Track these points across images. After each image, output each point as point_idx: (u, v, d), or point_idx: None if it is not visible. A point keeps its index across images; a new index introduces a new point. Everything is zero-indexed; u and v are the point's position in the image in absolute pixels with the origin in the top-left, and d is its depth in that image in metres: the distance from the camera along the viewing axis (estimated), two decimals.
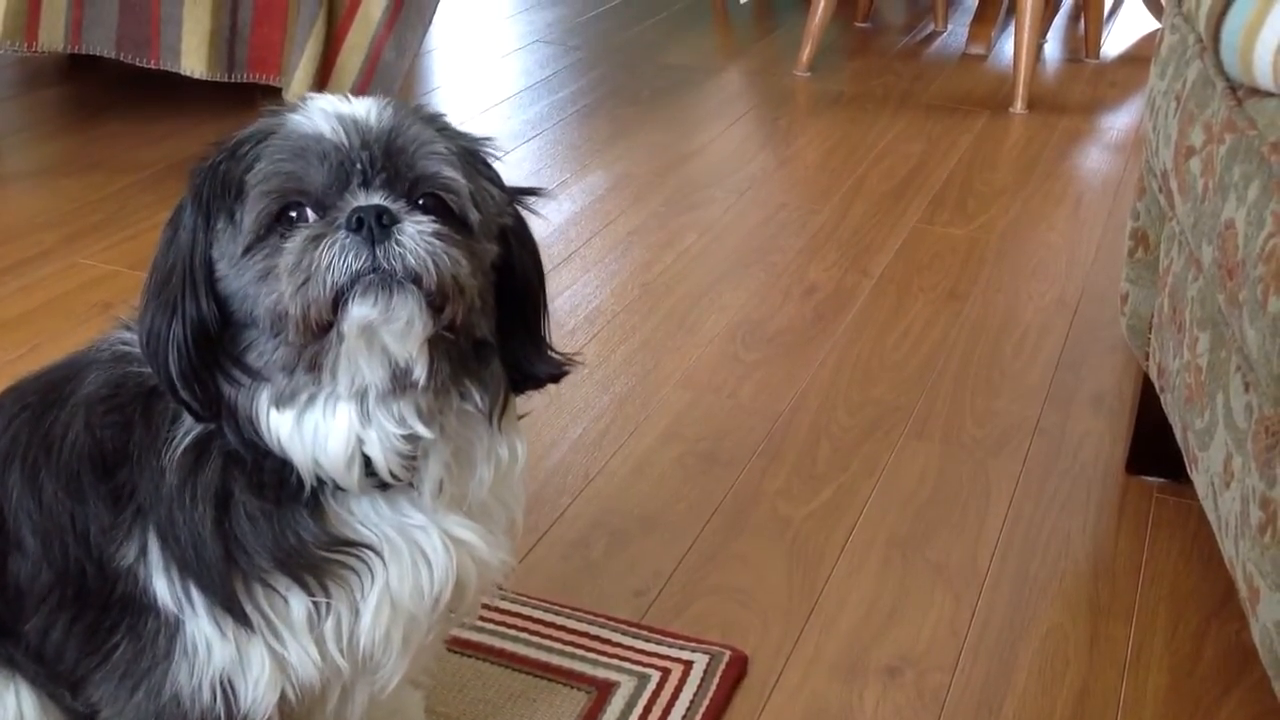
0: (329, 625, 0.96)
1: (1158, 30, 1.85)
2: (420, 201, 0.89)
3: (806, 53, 3.43)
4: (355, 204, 0.86)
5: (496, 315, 0.95)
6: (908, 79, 3.45)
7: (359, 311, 0.85)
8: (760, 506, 1.69)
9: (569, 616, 1.45)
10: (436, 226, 0.87)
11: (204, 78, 2.41)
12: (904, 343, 2.12)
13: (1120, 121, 3.21)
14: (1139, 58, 3.67)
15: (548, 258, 2.32)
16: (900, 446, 1.83)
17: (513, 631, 1.42)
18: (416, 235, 0.86)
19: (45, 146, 2.71)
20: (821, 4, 3.40)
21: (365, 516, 0.96)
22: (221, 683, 0.96)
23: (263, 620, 0.94)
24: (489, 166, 0.97)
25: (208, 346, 0.90)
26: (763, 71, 3.49)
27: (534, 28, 3.73)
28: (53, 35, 2.40)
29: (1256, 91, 1.32)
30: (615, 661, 1.39)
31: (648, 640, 1.42)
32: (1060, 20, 3.96)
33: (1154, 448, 1.72)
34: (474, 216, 0.91)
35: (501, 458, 1.00)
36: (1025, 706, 1.39)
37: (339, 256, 0.84)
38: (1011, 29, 3.45)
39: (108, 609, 0.97)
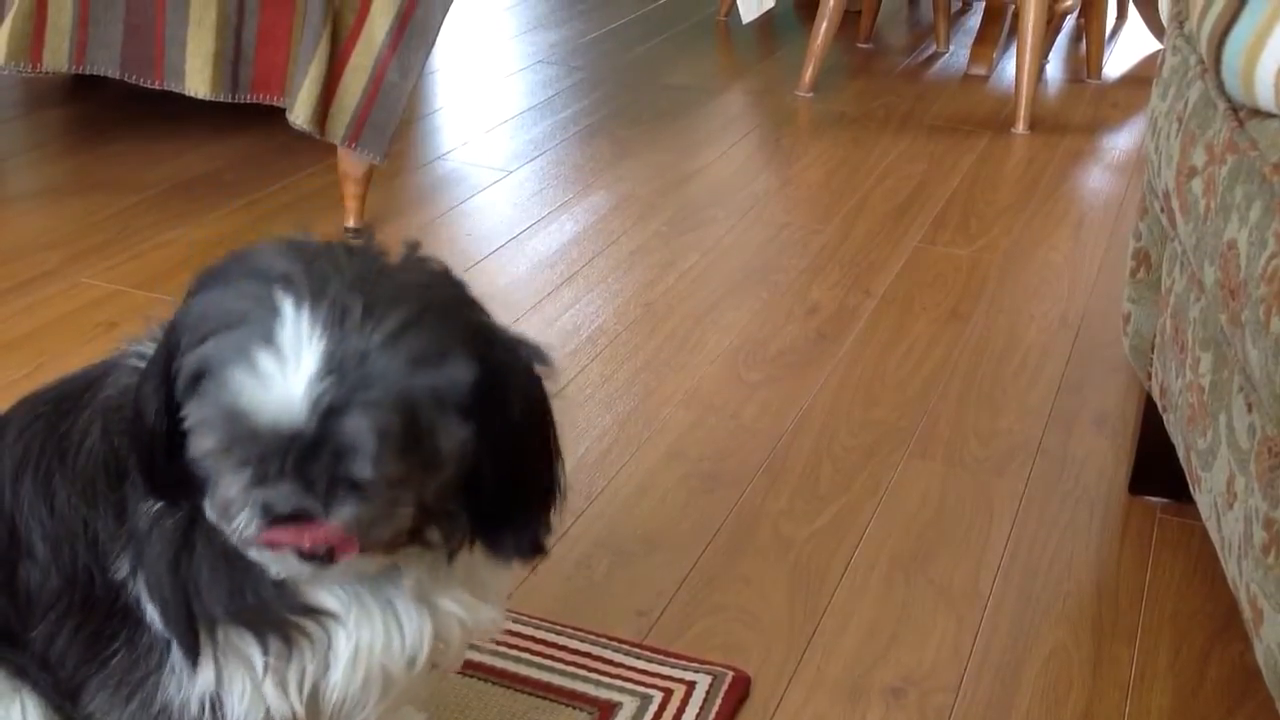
0: (292, 675, 0.95)
1: (1159, 51, 1.85)
2: (348, 481, 0.84)
3: (809, 73, 3.44)
4: (274, 503, 0.84)
5: (473, 490, 0.91)
6: (910, 99, 3.46)
7: (278, 568, 0.88)
8: (763, 527, 1.69)
9: (571, 636, 1.45)
10: (361, 510, 0.84)
11: (208, 98, 2.41)
12: (906, 363, 2.12)
13: (1122, 142, 3.21)
14: (1140, 78, 3.68)
15: (550, 277, 2.34)
16: (902, 467, 1.83)
17: (514, 652, 1.42)
18: (326, 537, 0.85)
19: (50, 166, 2.72)
20: (824, 25, 3.41)
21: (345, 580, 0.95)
22: (210, 699, 0.96)
23: (218, 661, 0.94)
24: (458, 402, 0.86)
25: (160, 448, 0.90)
26: (765, 92, 3.50)
27: (537, 48, 3.74)
28: (57, 56, 2.40)
29: (1258, 112, 1.32)
30: (617, 682, 1.39)
31: (650, 660, 1.42)
32: (1062, 41, 3.97)
33: (1157, 468, 1.72)
34: (415, 478, 0.86)
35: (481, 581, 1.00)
36: None
37: (245, 523, 0.85)
38: (1013, 50, 3.46)
39: (110, 617, 0.97)
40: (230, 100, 2.44)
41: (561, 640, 1.44)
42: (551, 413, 0.95)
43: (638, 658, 1.42)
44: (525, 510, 0.95)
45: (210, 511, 0.87)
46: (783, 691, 1.41)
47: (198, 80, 2.40)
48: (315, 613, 0.94)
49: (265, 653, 0.94)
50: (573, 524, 1.66)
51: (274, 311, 0.83)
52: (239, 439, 0.84)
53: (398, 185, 2.73)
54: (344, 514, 0.84)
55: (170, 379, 0.87)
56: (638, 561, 1.60)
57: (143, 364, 0.95)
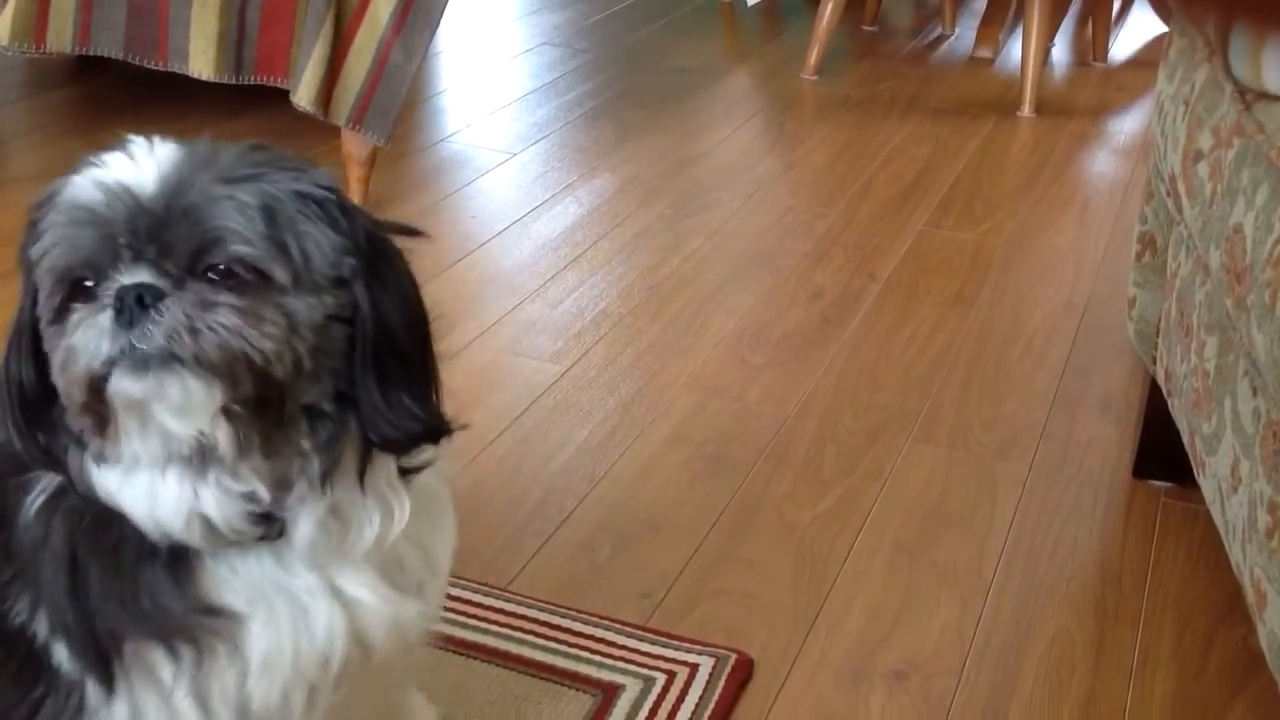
0: (214, 689, 0.90)
1: (1165, 34, 1.85)
2: (206, 270, 0.82)
3: (814, 56, 3.43)
4: (120, 282, 0.82)
5: (348, 373, 0.87)
6: (915, 82, 3.45)
7: (120, 388, 0.81)
8: (766, 510, 1.69)
9: (574, 619, 1.45)
10: (220, 297, 0.81)
11: (212, 80, 2.41)
12: (910, 346, 2.12)
13: (1128, 125, 3.20)
14: (1147, 62, 3.67)
15: (554, 260, 2.33)
16: (906, 451, 1.83)
17: (518, 634, 1.42)
18: (182, 309, 0.80)
19: (53, 148, 2.71)
20: (829, 7, 3.40)
21: (246, 573, 0.90)
22: None
23: (130, 686, 0.89)
24: (324, 207, 0.86)
25: (35, 402, 0.87)
26: (770, 75, 3.49)
27: (541, 30, 3.73)
28: (61, 37, 2.40)
29: (1265, 95, 1.32)
30: (621, 664, 1.39)
31: (653, 643, 1.42)
32: (1068, 24, 3.95)
33: (1161, 452, 1.72)
34: (280, 274, 0.83)
35: (375, 520, 0.91)
36: (1031, 712, 1.39)
37: (94, 340, 0.81)
38: (1019, 33, 3.45)
39: (28, 660, 0.93)
40: (234, 82, 2.44)
41: (565, 622, 1.44)
42: (421, 294, 0.92)
43: (641, 640, 1.43)
44: (398, 396, 0.89)
45: (65, 399, 0.83)
46: (786, 674, 1.41)
47: (201, 61, 2.39)
48: (218, 612, 0.89)
49: (176, 662, 0.88)
50: (576, 507, 1.66)
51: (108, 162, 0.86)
52: (83, 240, 0.82)
53: (402, 167, 2.73)
54: (192, 296, 0.81)
55: (32, 312, 0.86)
56: (641, 544, 1.60)
57: None
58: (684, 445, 1.82)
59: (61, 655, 0.91)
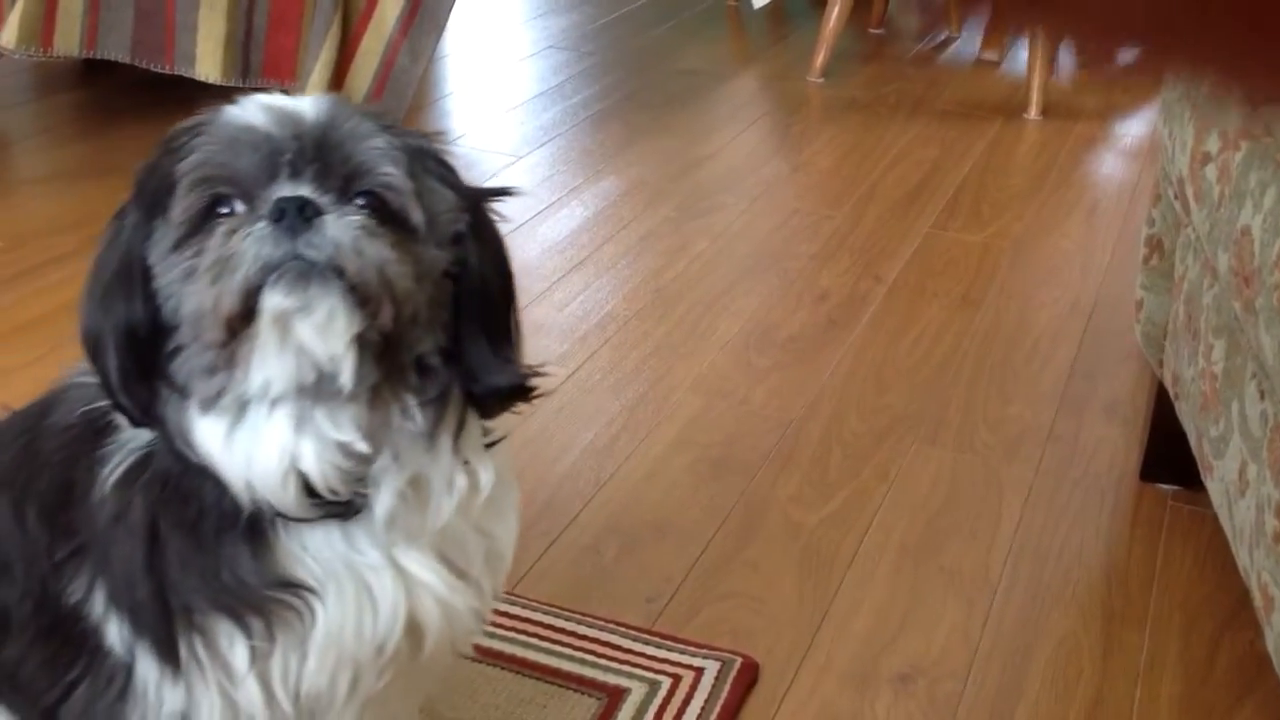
0: (276, 668, 0.91)
1: None
2: (356, 199, 0.85)
3: (820, 59, 3.43)
4: (280, 195, 0.83)
5: (453, 330, 0.90)
6: (921, 85, 3.45)
7: (274, 301, 0.81)
8: (772, 513, 1.69)
9: (579, 622, 1.45)
10: (368, 222, 0.83)
11: (218, 83, 2.41)
12: (917, 349, 2.11)
13: (1135, 128, 3.20)
14: None
15: (560, 263, 2.33)
16: (913, 453, 1.83)
17: (523, 637, 1.42)
18: (343, 228, 0.82)
19: (61, 150, 2.72)
20: (835, 10, 3.39)
21: (317, 551, 0.90)
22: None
23: (200, 665, 0.90)
24: (442, 165, 0.91)
25: (141, 350, 0.87)
26: (776, 77, 3.49)
27: (548, 33, 3.74)
28: (68, 40, 2.41)
29: None
30: (626, 668, 1.39)
31: (659, 646, 1.42)
32: None
33: (1168, 455, 1.72)
34: (417, 217, 0.86)
35: (459, 487, 0.92)
36: (1038, 715, 1.38)
37: (255, 246, 0.81)
38: (1025, 36, 3.44)
39: (71, 644, 0.94)
40: (241, 85, 2.44)
41: (570, 625, 1.44)
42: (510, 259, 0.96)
43: (646, 643, 1.42)
44: (500, 351, 0.92)
45: (197, 324, 0.83)
46: (791, 678, 1.41)
47: (209, 65, 2.40)
48: (294, 587, 0.90)
49: (249, 638, 0.89)
50: (581, 510, 1.66)
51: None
52: (242, 155, 0.84)
53: None
54: (352, 218, 0.83)
55: (149, 215, 0.86)
56: (646, 547, 1.60)
57: (89, 378, 0.92)
58: (690, 448, 1.82)
59: (115, 635, 0.91)
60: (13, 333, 2.00)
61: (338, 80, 2.36)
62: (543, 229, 2.48)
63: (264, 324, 0.82)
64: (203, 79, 2.42)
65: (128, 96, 2.93)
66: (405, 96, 2.38)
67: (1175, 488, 1.75)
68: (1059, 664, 1.45)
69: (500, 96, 3.21)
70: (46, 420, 0.96)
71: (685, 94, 3.29)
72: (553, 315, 2.15)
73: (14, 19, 2.33)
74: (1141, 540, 1.67)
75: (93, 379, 0.92)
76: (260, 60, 2.43)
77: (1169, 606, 1.55)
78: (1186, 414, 1.51)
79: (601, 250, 2.40)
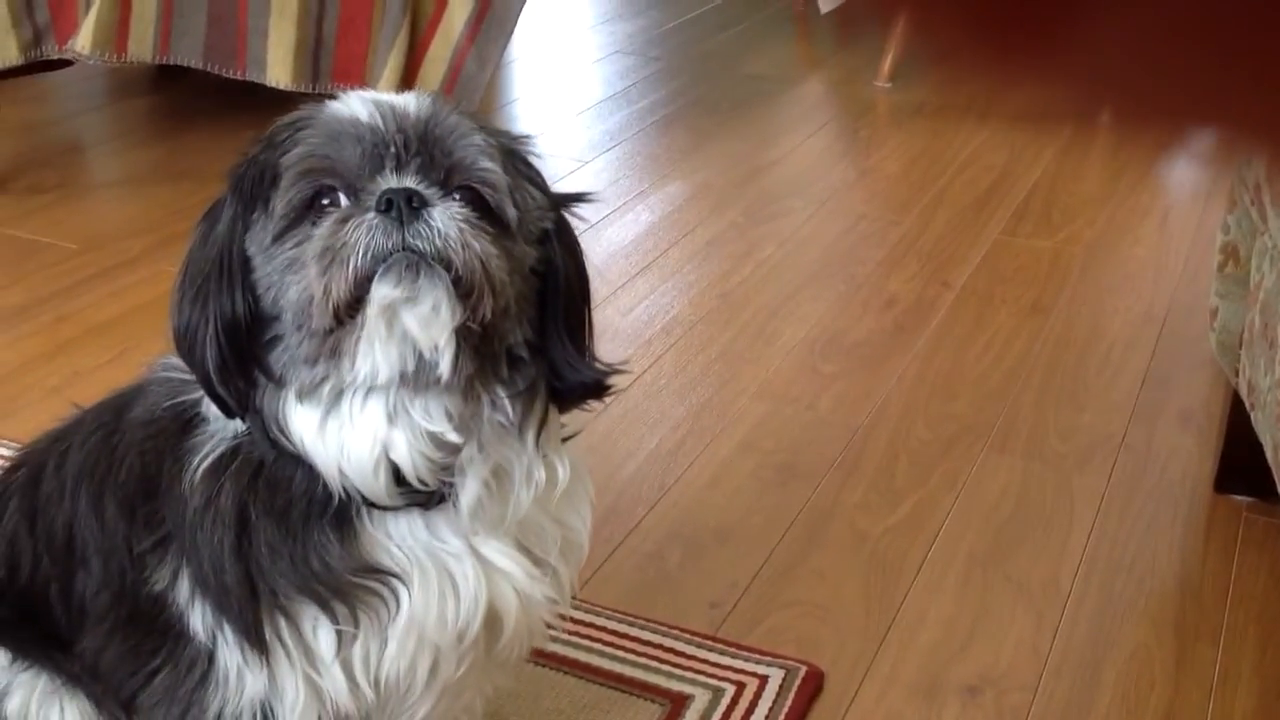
0: (358, 654, 0.93)
1: None
2: (456, 193, 0.87)
3: (888, 63, 3.41)
4: (386, 186, 0.85)
5: (538, 326, 0.92)
6: (991, 88, 3.41)
7: (383, 291, 0.83)
8: (837, 520, 1.67)
9: (643, 628, 1.44)
10: (470, 214, 0.86)
11: (289, 89, 2.44)
12: (985, 356, 2.09)
13: (1209, 132, 3.15)
14: None
15: (626, 267, 2.33)
16: (981, 461, 1.81)
17: (586, 642, 1.42)
18: (448, 219, 0.84)
19: (134, 155, 2.76)
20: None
21: (401, 539, 0.92)
22: (260, 709, 0.94)
23: (285, 650, 0.92)
24: (531, 166, 0.94)
25: (240, 341, 0.88)
26: (843, 82, 3.47)
27: (614, 38, 3.74)
28: (142, 46, 2.44)
29: None
30: (689, 674, 1.38)
31: (723, 653, 1.41)
32: None
33: (1243, 466, 1.68)
34: (512, 213, 0.89)
35: (539, 480, 0.95)
36: None
37: (365, 236, 0.83)
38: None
39: (152, 633, 0.96)
40: (311, 91, 2.47)
41: (634, 631, 1.44)
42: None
43: (710, 650, 1.42)
44: (581, 348, 0.95)
45: (305, 313, 0.85)
46: (856, 688, 1.40)
47: (279, 70, 2.42)
48: (379, 574, 0.92)
49: (335, 623, 0.91)
50: (645, 515, 1.66)
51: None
52: (346, 147, 0.86)
53: None
54: (456, 211, 0.85)
55: (248, 208, 0.88)
56: (710, 553, 1.60)
57: (173, 374, 0.95)
58: (754, 454, 1.81)
59: (198, 622, 0.93)
60: (86, 335, 2.03)
61: (406, 85, 2.38)
62: (609, 233, 2.48)
63: (372, 313, 0.84)
64: (273, 84, 2.45)
65: (199, 102, 2.97)
66: (473, 101, 2.40)
67: (1250, 499, 1.72)
68: (1130, 677, 1.43)
69: (567, 101, 3.22)
70: (126, 416, 0.98)
71: (751, 99, 3.28)
72: (618, 319, 2.15)
73: (89, 25, 2.37)
74: (1215, 552, 1.63)
75: (174, 375, 0.95)
76: (330, 66, 2.45)
77: (1244, 620, 1.52)
78: (1262, 424, 1.48)
79: (667, 255, 2.40)
